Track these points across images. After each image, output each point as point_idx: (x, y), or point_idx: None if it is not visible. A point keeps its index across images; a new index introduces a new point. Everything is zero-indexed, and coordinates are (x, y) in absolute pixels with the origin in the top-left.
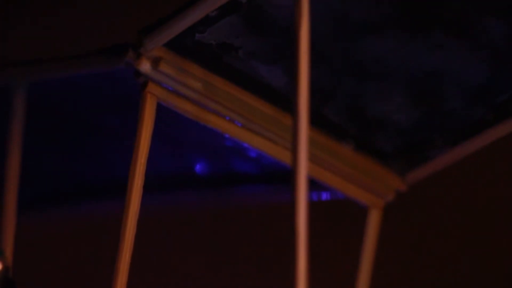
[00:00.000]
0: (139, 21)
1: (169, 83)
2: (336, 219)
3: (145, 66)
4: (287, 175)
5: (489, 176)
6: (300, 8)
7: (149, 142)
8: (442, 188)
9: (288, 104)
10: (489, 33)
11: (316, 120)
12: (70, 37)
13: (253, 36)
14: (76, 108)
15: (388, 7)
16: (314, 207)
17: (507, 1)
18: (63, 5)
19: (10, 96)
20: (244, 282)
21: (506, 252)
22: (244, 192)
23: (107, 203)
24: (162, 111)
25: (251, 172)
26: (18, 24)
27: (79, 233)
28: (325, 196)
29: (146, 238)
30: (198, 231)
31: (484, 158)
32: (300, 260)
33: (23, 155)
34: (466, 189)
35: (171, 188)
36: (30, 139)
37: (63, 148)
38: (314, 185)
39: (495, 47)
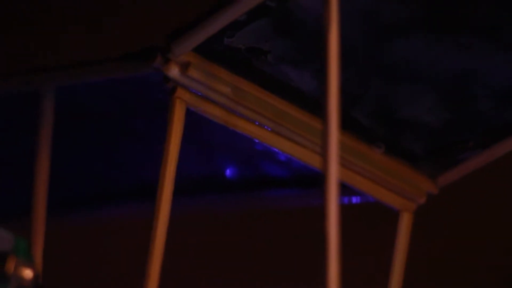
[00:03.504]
0: (167, 25)
1: (198, 88)
2: (367, 222)
3: (173, 72)
4: (317, 178)
5: None
6: (329, 11)
7: (178, 146)
8: (473, 190)
9: (318, 108)
10: None
11: (346, 124)
12: (99, 42)
13: (282, 40)
14: (104, 112)
15: (417, 9)
16: (345, 210)
17: None
18: (92, 11)
19: (38, 101)
20: (275, 284)
21: None
22: (275, 195)
23: (136, 206)
24: (192, 114)
25: (281, 175)
26: (47, 30)
27: (108, 235)
28: (355, 199)
29: (176, 240)
30: (228, 234)
31: None
32: (331, 263)
33: (52, 158)
34: (497, 190)
35: (201, 192)
36: (58, 143)
37: (91, 152)
38: (345, 189)
39: None
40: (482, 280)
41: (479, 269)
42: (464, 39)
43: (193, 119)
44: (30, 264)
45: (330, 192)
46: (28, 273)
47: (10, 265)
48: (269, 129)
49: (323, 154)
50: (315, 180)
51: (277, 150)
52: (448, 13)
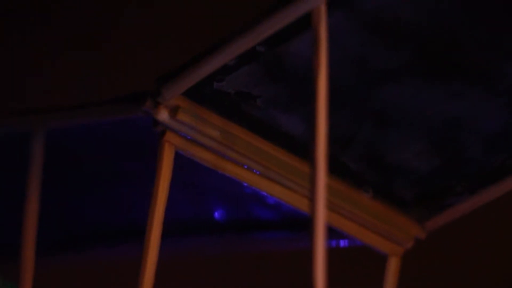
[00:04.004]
0: (157, 69)
1: (187, 132)
2: (355, 266)
3: (163, 115)
4: (306, 222)
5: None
6: (319, 56)
7: (167, 190)
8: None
9: (306, 152)
10: (508, 80)
11: (334, 168)
12: (89, 84)
13: (271, 84)
14: (94, 155)
15: (407, 55)
16: (332, 253)
17: None
18: (82, 53)
19: (28, 143)
20: None
21: None
22: (263, 238)
23: (124, 249)
24: (182, 157)
25: (270, 218)
26: (37, 72)
27: (96, 279)
28: (343, 243)
29: (164, 284)
30: (216, 277)
31: (502, 205)
32: None
33: (41, 200)
34: (486, 235)
35: (190, 234)
36: (48, 185)
37: (81, 194)
38: (332, 232)
39: None
40: None
41: None
42: (454, 85)
43: (182, 162)
44: None
45: (318, 236)
46: None
47: None
48: (258, 173)
49: (311, 197)
50: (303, 224)
51: (265, 194)
52: (438, 59)
